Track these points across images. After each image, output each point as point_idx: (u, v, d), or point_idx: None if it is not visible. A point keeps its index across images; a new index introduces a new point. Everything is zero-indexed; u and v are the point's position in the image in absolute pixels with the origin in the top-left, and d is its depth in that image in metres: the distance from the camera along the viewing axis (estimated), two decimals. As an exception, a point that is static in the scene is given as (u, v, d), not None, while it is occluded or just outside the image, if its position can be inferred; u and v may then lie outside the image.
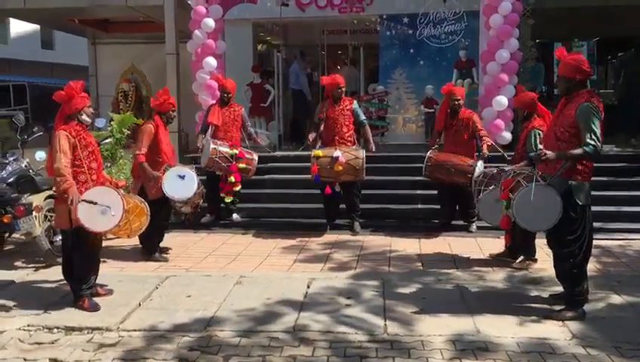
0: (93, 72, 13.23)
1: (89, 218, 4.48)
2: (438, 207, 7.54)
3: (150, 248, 6.16)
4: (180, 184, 5.88)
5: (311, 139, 7.29)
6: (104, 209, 4.49)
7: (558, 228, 4.34)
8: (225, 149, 7.21)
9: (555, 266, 4.65)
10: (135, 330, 4.28)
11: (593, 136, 4.17)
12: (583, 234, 4.38)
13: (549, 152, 4.28)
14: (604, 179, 7.69)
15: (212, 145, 7.12)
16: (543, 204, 4.31)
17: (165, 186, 5.83)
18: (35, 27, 22.32)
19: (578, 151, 4.20)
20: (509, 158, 6.30)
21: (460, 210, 7.34)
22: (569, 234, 4.36)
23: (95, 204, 4.46)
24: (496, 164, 6.45)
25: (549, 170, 4.40)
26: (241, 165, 7.24)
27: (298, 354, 3.86)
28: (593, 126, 4.19)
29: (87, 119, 4.74)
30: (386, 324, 4.32)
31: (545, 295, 4.88)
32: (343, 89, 7.33)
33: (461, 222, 7.35)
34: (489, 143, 6.86)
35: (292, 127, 11.55)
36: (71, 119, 4.68)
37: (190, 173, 6.01)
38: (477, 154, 7.01)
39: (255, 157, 7.48)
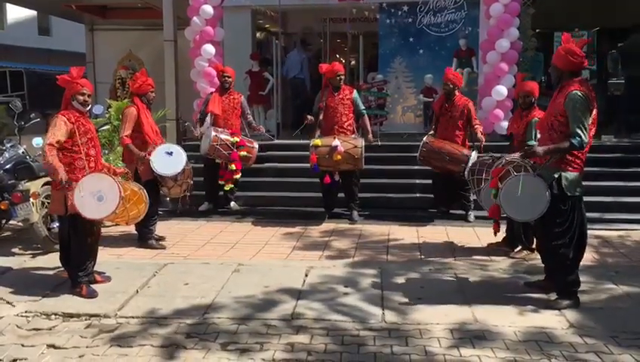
0: (91, 58, 13.11)
1: (84, 204, 4.46)
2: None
3: (143, 234, 6.15)
4: (169, 160, 5.90)
5: (308, 120, 7.25)
6: (100, 196, 4.48)
7: (545, 219, 4.33)
8: (226, 137, 7.18)
9: (545, 258, 4.66)
10: (133, 317, 4.28)
11: (580, 125, 4.16)
12: (572, 226, 4.35)
13: (537, 148, 4.29)
14: (602, 169, 7.69)
15: (213, 133, 7.08)
16: (530, 195, 4.30)
17: (154, 164, 5.83)
18: (32, 13, 22.15)
19: (565, 144, 4.19)
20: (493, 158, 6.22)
21: (457, 199, 7.33)
22: (557, 226, 4.34)
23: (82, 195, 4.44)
24: (489, 154, 6.45)
25: (540, 159, 4.39)
26: (242, 153, 7.21)
27: (296, 341, 3.86)
28: (580, 115, 4.17)
29: (79, 105, 4.68)
30: (383, 313, 4.32)
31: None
32: (342, 77, 7.28)
33: (460, 212, 7.35)
34: (481, 131, 6.91)
35: (294, 115, 11.47)
36: (70, 104, 4.67)
37: (177, 148, 6.07)
38: (470, 144, 7.00)
39: (255, 145, 7.45)
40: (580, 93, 4.17)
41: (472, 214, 7.22)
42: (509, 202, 4.44)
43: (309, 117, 7.28)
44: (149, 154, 5.88)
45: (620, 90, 10.89)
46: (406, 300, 4.56)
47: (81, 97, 4.67)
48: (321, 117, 7.22)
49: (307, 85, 11.52)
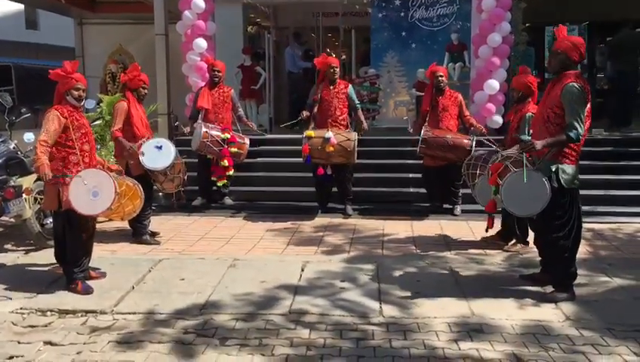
0: (80, 53, 12.95)
1: (79, 200, 4.42)
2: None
3: (138, 229, 6.12)
4: (158, 154, 5.87)
5: (304, 115, 7.23)
6: (95, 191, 4.44)
7: (545, 213, 4.35)
8: (217, 133, 7.14)
9: (543, 250, 4.69)
10: (129, 313, 4.26)
11: (577, 118, 4.19)
12: (571, 218, 4.39)
13: (536, 142, 4.30)
14: (593, 163, 7.73)
15: (204, 129, 7.04)
16: (531, 190, 4.32)
17: (143, 158, 5.80)
18: (19, 6, 21.82)
19: (562, 137, 4.23)
20: (497, 145, 6.20)
21: (445, 193, 7.33)
22: (557, 219, 4.38)
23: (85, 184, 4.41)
24: (484, 148, 6.48)
25: (537, 153, 4.41)
26: (233, 149, 7.18)
27: (294, 336, 3.86)
28: (577, 107, 4.20)
29: (73, 100, 4.64)
30: (381, 307, 4.33)
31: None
32: (336, 69, 7.26)
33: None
34: (475, 123, 7.05)
35: (290, 110, 11.41)
36: (64, 99, 4.63)
37: (167, 142, 6.04)
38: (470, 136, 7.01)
39: (247, 141, 7.42)
40: (577, 86, 4.20)
41: (458, 208, 7.25)
42: (510, 198, 4.44)
43: (304, 113, 7.25)
44: (139, 148, 5.83)
45: (609, 83, 10.96)
46: (403, 294, 4.57)
47: (75, 92, 4.63)
48: (315, 110, 7.21)
49: (303, 79, 11.46)
